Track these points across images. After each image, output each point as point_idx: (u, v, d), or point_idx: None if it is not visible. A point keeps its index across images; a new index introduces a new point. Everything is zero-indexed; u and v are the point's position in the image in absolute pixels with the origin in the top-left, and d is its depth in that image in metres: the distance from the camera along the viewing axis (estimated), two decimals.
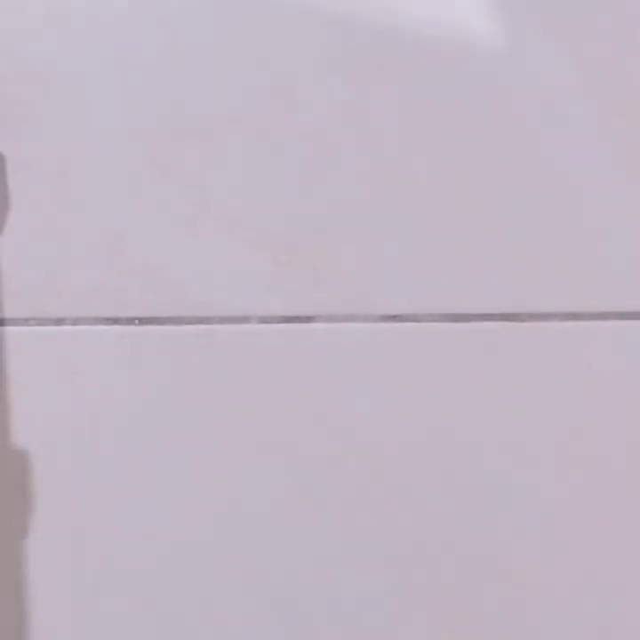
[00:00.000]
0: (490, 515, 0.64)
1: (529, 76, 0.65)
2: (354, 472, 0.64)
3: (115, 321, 0.64)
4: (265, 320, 0.64)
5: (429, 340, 0.65)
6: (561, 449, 0.64)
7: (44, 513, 0.63)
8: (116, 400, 0.64)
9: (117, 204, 0.64)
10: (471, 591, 0.64)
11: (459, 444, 0.64)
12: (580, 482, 0.64)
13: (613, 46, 0.65)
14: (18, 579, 0.63)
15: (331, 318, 0.65)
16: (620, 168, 0.64)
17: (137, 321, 0.64)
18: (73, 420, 0.64)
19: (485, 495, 0.64)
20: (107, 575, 0.64)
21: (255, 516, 0.64)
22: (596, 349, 0.65)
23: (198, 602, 0.64)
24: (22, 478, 0.63)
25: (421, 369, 0.65)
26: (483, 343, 0.65)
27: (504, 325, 0.65)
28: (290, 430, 0.64)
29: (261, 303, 0.65)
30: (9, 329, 0.63)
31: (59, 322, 0.64)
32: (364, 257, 0.65)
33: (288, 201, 0.65)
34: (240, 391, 0.64)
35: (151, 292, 0.64)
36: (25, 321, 0.64)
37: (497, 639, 0.63)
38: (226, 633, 0.63)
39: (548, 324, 0.65)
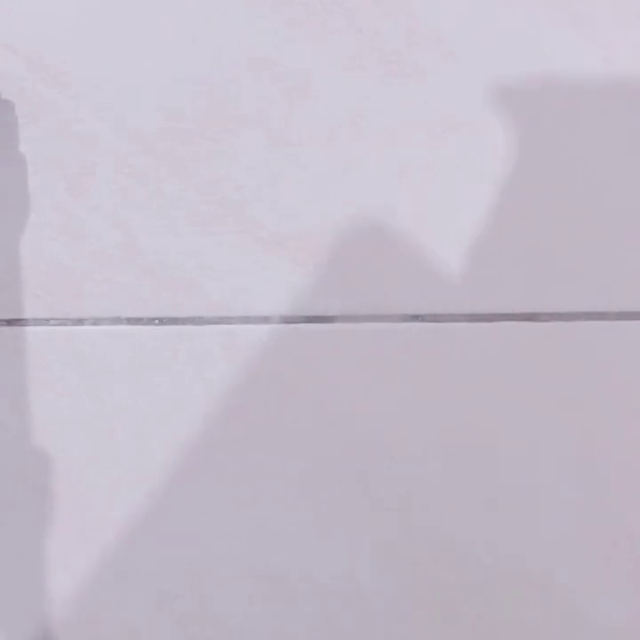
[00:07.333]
0: (511, 512, 0.64)
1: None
2: (374, 470, 0.64)
3: (136, 321, 0.64)
4: (286, 320, 0.64)
5: (450, 340, 0.65)
6: (583, 447, 0.64)
7: (64, 512, 0.63)
8: (137, 400, 0.64)
9: (137, 204, 0.64)
10: (484, 593, 0.64)
11: (479, 441, 0.64)
12: (601, 479, 0.64)
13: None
14: (39, 575, 0.63)
15: (352, 318, 0.65)
16: None
17: (157, 321, 0.64)
18: (93, 420, 0.64)
19: (505, 492, 0.64)
20: (125, 573, 0.64)
21: (274, 523, 0.64)
22: (619, 349, 0.65)
23: (213, 591, 0.64)
24: (42, 478, 0.63)
25: (442, 368, 0.65)
26: (504, 343, 0.65)
27: (525, 325, 0.65)
28: (312, 429, 0.64)
29: (283, 303, 0.64)
30: (29, 329, 0.63)
31: (79, 322, 0.64)
32: (384, 257, 0.65)
33: (308, 201, 0.64)
34: (262, 391, 0.64)
35: (172, 292, 0.64)
36: (45, 321, 0.64)
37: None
38: (240, 624, 0.64)
39: (570, 324, 0.65)
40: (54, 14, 0.64)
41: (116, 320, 0.64)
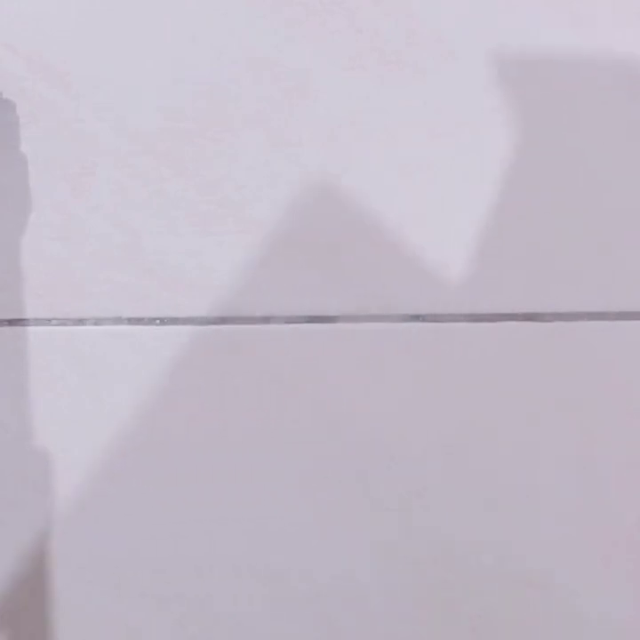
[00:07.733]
0: (511, 512, 0.64)
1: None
2: (374, 470, 0.64)
3: (137, 321, 0.64)
4: (289, 320, 0.64)
5: (450, 340, 0.65)
6: (583, 447, 0.64)
7: (64, 512, 0.63)
8: (137, 400, 0.64)
9: (137, 204, 0.64)
10: (484, 593, 0.64)
11: (479, 441, 0.64)
12: (601, 479, 0.64)
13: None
14: (41, 576, 0.63)
15: (352, 318, 0.65)
16: None
17: (158, 321, 0.64)
18: (93, 420, 0.64)
19: (505, 492, 0.64)
20: (125, 573, 0.64)
21: (274, 523, 0.64)
22: (619, 349, 0.65)
23: (213, 592, 0.64)
24: (42, 478, 0.63)
25: (442, 368, 0.65)
26: (504, 343, 0.65)
27: (526, 325, 0.65)
28: (312, 429, 0.64)
29: (283, 303, 0.64)
30: (31, 329, 0.63)
31: (80, 322, 0.64)
32: (384, 257, 0.65)
33: (308, 201, 0.64)
34: (262, 391, 0.64)
35: (172, 292, 0.64)
36: (46, 321, 0.64)
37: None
38: (240, 624, 0.64)
39: (571, 324, 0.65)
40: (54, 14, 0.64)
41: (117, 320, 0.64)
